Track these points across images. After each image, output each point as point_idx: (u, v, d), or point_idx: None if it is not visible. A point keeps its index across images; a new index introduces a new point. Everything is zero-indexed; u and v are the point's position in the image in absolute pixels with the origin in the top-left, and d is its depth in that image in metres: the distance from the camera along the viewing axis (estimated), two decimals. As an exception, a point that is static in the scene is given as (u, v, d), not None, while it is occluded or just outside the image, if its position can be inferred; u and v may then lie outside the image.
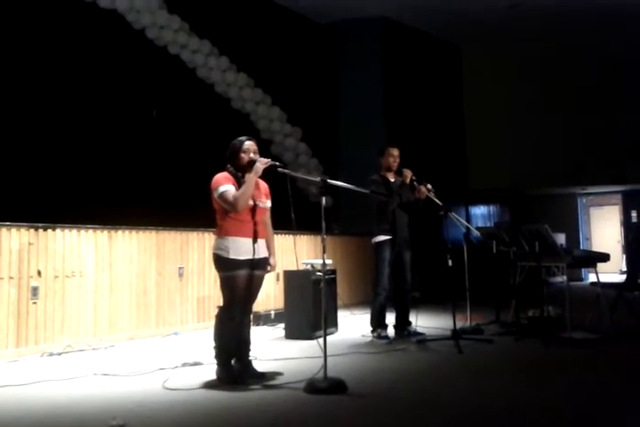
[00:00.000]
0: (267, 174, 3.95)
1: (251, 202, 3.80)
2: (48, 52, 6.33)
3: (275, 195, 4.19)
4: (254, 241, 3.78)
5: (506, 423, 2.91)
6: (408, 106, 10.27)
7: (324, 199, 3.81)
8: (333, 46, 10.26)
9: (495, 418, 2.99)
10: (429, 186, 5.41)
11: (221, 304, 3.87)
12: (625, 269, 11.27)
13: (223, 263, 3.75)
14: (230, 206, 3.72)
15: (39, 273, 4.91)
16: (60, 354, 4.77)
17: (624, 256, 12.56)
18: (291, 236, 7.18)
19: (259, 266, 3.85)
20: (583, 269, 11.66)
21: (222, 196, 3.73)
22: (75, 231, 5.24)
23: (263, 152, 4.01)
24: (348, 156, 9.76)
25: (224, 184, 3.75)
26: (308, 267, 5.76)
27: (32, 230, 4.91)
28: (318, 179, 3.99)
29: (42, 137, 6.13)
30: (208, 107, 7.96)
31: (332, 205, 8.94)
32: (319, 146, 9.44)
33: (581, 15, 9.81)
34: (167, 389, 3.58)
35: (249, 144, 3.88)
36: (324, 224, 3.76)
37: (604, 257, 5.56)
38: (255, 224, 3.81)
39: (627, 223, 12.83)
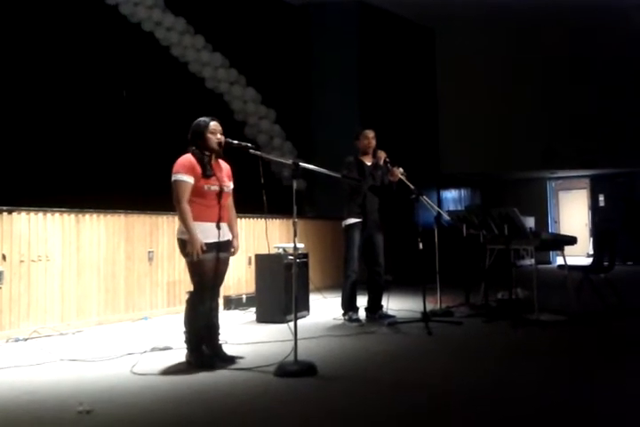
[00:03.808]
0: (239, 156, 3.89)
1: (216, 187, 3.75)
2: (13, 27, 6.11)
3: (247, 177, 4.14)
4: (218, 225, 3.75)
5: (474, 404, 2.95)
6: (382, 89, 10.23)
7: (295, 182, 3.78)
8: (308, 28, 10.13)
9: (464, 399, 3.03)
10: (401, 170, 5.42)
11: (191, 289, 3.83)
12: (592, 252, 11.52)
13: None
14: (175, 199, 3.67)
15: (4, 257, 4.80)
16: (26, 340, 4.69)
17: (591, 239, 12.81)
18: (263, 219, 7.14)
19: (224, 248, 3.82)
20: (551, 252, 11.88)
21: (175, 185, 3.67)
22: (40, 214, 5.12)
23: (237, 134, 3.95)
24: (323, 139, 9.70)
25: (182, 173, 3.67)
26: (280, 251, 5.74)
27: (-5, 213, 4.78)
28: (290, 162, 3.95)
29: (4, 118, 5.94)
30: (180, 86, 7.80)
31: (305, 189, 8.90)
32: (293, 129, 9.36)
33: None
34: (135, 374, 3.55)
35: (215, 124, 3.81)
36: (295, 208, 3.74)
37: (572, 240, 5.66)
38: (220, 208, 3.78)
39: (594, 207, 13.07)
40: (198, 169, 3.71)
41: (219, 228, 3.75)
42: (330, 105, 9.85)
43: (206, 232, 3.70)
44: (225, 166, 3.94)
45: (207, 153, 3.78)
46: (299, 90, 9.85)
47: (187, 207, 3.65)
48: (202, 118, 3.84)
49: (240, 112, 8.71)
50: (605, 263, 5.77)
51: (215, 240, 3.73)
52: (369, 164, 5.53)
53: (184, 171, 3.68)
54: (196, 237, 3.60)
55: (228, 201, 3.92)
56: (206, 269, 3.70)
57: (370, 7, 10.15)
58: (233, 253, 3.96)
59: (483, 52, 11.43)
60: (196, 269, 3.72)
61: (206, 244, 3.67)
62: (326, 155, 8.60)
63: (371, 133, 5.55)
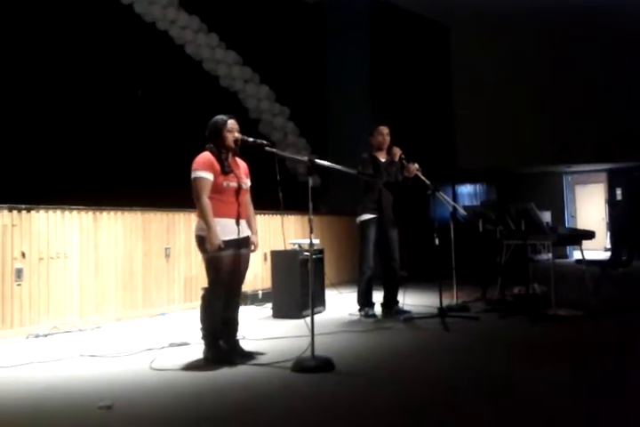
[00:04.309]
0: (254, 153, 3.91)
1: (235, 184, 3.78)
2: (27, 25, 6.17)
3: (263, 174, 4.15)
4: (237, 221, 3.77)
5: (493, 400, 2.94)
6: (396, 85, 10.19)
7: (310, 179, 3.78)
8: (321, 25, 10.12)
9: (482, 395, 3.02)
10: (417, 165, 5.40)
11: (206, 285, 3.85)
12: (609, 246, 11.41)
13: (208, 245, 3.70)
14: (195, 196, 3.69)
15: (23, 255, 4.86)
16: (45, 336, 4.75)
17: (608, 233, 12.68)
18: (279, 215, 7.16)
19: (243, 245, 3.84)
20: (568, 247, 11.77)
21: (195, 182, 3.69)
22: (59, 212, 5.18)
23: (251, 131, 3.96)
24: (337, 135, 9.71)
25: (202, 170, 3.69)
26: (296, 247, 5.75)
27: (15, 212, 4.84)
28: (306, 158, 3.96)
29: (23, 117, 6.01)
30: (195, 85, 7.84)
31: (320, 185, 8.91)
32: (307, 125, 9.37)
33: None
34: (154, 369, 3.58)
35: (232, 123, 3.83)
36: (311, 204, 3.74)
37: (589, 235, 5.60)
38: (239, 205, 3.80)
39: (611, 201, 12.93)
40: (217, 166, 3.73)
41: (238, 224, 3.78)
42: (344, 101, 9.84)
43: (225, 228, 3.71)
44: (242, 164, 3.96)
45: (224, 150, 3.80)
46: (312, 87, 9.84)
47: (207, 202, 3.67)
48: (219, 116, 3.86)
49: (254, 110, 8.73)
50: (624, 258, 5.71)
51: (234, 237, 3.75)
52: (383, 160, 5.52)
53: (203, 168, 3.70)
54: (215, 233, 3.62)
55: (246, 198, 3.94)
56: (223, 265, 3.72)
57: (383, 4, 10.11)
58: (253, 250, 3.97)
59: (497, 48, 11.34)
60: (213, 265, 3.73)
61: (225, 241, 3.68)
62: (340, 151, 8.61)
63: (385, 130, 5.54)
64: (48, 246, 5.05)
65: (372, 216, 5.38)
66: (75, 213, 5.31)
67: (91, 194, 5.79)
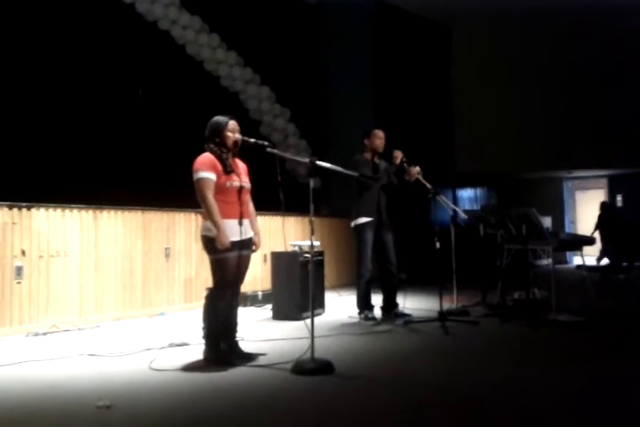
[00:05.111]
0: (255, 154, 3.90)
1: (237, 183, 3.77)
2: (29, 24, 6.17)
3: (263, 175, 4.14)
4: (240, 222, 3.76)
5: (491, 405, 2.93)
6: (397, 87, 10.20)
7: (311, 181, 3.77)
8: (323, 26, 10.13)
9: (480, 400, 3.01)
10: (418, 169, 5.39)
11: (211, 286, 3.85)
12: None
13: (214, 245, 3.68)
14: (200, 197, 3.68)
15: (23, 253, 4.85)
16: (45, 334, 4.74)
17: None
18: (279, 217, 7.16)
19: (246, 246, 3.83)
20: (568, 252, 11.77)
21: (199, 183, 3.68)
22: (59, 211, 5.17)
23: (252, 132, 3.96)
24: (337, 137, 9.71)
25: (204, 170, 3.68)
26: (296, 248, 5.74)
27: (15, 209, 4.84)
28: (307, 160, 3.95)
29: (24, 115, 6.01)
30: (196, 85, 7.84)
31: (320, 187, 8.90)
32: (308, 127, 9.37)
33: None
34: (154, 369, 3.57)
35: (233, 124, 3.84)
36: (312, 206, 3.73)
37: (590, 241, 5.61)
38: (241, 205, 3.79)
39: (612, 207, 12.91)
40: (219, 166, 3.72)
41: (241, 224, 3.76)
42: (345, 103, 9.84)
43: (229, 230, 3.70)
44: (242, 165, 3.96)
45: (225, 151, 3.80)
46: (313, 88, 9.85)
47: (214, 202, 3.66)
48: (220, 117, 3.85)
49: (255, 111, 8.73)
50: (624, 264, 5.71)
51: (238, 239, 3.74)
52: (377, 163, 5.52)
53: (206, 168, 3.69)
54: (224, 232, 3.61)
55: (247, 197, 3.93)
56: (229, 266, 3.72)
57: (385, 5, 10.13)
58: (254, 251, 3.96)
59: (499, 51, 11.35)
60: (219, 266, 3.73)
61: (230, 242, 3.66)
62: (341, 153, 8.59)
63: (381, 133, 5.53)
64: (48, 245, 5.04)
65: (368, 219, 5.37)
66: (75, 211, 5.31)
67: (91, 192, 5.79)
